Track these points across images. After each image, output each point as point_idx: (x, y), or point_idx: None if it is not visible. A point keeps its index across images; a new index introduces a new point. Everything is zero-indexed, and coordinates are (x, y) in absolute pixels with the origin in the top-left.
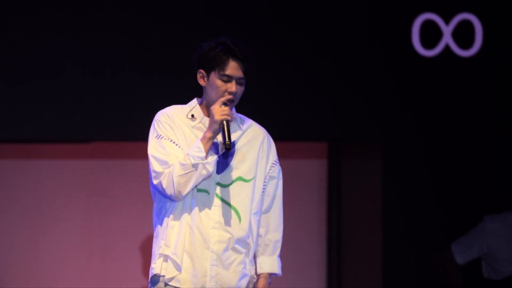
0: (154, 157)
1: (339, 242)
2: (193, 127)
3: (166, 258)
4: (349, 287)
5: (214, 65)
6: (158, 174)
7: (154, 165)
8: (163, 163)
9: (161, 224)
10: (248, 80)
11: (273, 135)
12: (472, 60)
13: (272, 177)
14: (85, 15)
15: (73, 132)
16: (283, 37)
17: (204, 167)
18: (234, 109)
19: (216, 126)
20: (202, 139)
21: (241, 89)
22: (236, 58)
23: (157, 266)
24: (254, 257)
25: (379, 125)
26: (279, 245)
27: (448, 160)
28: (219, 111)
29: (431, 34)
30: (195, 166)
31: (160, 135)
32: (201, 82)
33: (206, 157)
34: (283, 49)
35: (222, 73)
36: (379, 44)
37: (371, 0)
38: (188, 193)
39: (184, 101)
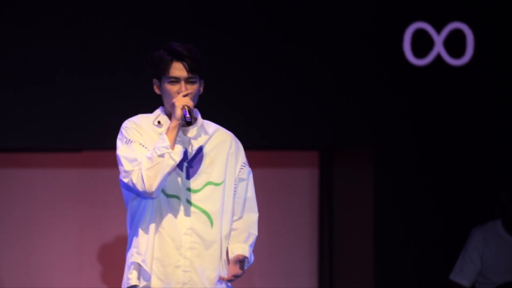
0: (123, 156)
1: (331, 250)
2: (160, 133)
3: (138, 266)
4: None
5: (160, 71)
6: (128, 173)
7: (124, 164)
8: (133, 160)
9: (133, 233)
10: (238, 88)
11: (264, 144)
12: (464, 69)
13: (241, 179)
14: (75, 21)
15: (64, 141)
16: (274, 44)
17: (170, 157)
18: (199, 114)
19: (179, 112)
20: (167, 131)
21: (193, 88)
22: (178, 58)
23: (133, 277)
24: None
25: (370, 133)
26: (253, 238)
27: (439, 167)
28: (181, 99)
29: (422, 43)
30: (161, 156)
31: (130, 140)
32: (157, 91)
33: (172, 147)
34: (273, 57)
35: (168, 76)
36: (370, 53)
37: (363, 8)
38: (160, 187)
39: None
